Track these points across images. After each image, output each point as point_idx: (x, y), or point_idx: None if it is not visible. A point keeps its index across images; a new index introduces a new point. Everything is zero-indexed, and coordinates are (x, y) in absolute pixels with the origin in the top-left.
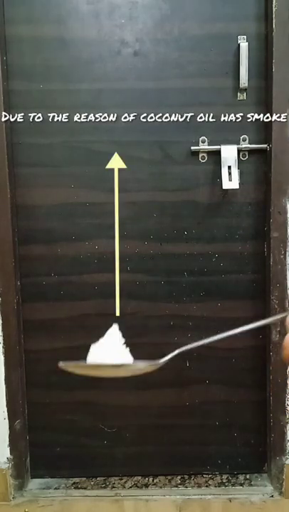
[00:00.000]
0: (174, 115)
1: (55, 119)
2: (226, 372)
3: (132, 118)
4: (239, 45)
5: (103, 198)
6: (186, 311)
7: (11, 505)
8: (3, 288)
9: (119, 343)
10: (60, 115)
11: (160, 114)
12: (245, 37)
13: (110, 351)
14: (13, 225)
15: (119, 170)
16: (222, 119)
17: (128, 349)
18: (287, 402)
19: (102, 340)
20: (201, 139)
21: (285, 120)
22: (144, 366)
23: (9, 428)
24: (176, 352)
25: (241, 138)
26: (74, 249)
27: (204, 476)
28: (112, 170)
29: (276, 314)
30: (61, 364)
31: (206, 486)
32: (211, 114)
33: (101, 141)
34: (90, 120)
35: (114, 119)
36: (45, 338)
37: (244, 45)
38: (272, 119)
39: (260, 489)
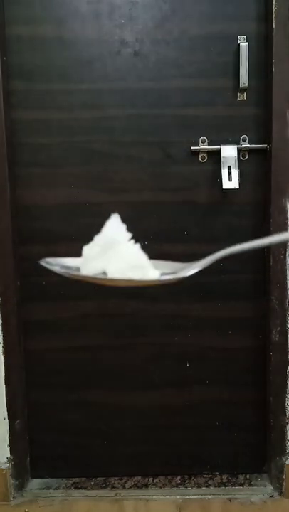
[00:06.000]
0: (174, 115)
1: (55, 119)
2: (226, 372)
3: (131, 118)
4: (239, 45)
5: (103, 198)
6: (186, 311)
7: (11, 505)
8: (3, 288)
9: (130, 246)
10: (60, 115)
11: (160, 114)
12: (245, 37)
13: (119, 260)
14: (13, 225)
15: (119, 170)
16: (222, 120)
17: (142, 249)
18: (287, 402)
19: (101, 239)
20: (201, 139)
21: (285, 120)
22: (166, 278)
23: (9, 428)
24: (217, 256)
25: (241, 138)
26: (74, 249)
27: (204, 476)
28: (112, 170)
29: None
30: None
31: (206, 486)
32: (211, 115)
33: (101, 141)
34: (90, 120)
35: (114, 119)
36: (45, 338)
37: (244, 45)
38: (272, 119)
39: (260, 489)
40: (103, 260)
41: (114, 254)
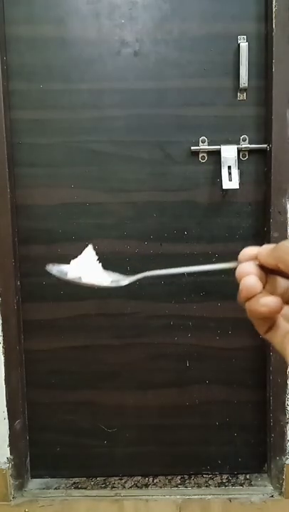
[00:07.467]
0: (173, 115)
1: (55, 119)
2: (226, 372)
3: (131, 118)
4: (239, 45)
5: (103, 198)
6: (186, 311)
7: (11, 505)
8: (3, 288)
9: (96, 264)
10: (60, 115)
11: (160, 114)
12: (245, 37)
13: (90, 271)
14: (13, 225)
15: (119, 170)
16: (222, 120)
17: (101, 267)
18: (287, 402)
19: (80, 259)
20: (201, 139)
21: (285, 120)
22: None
23: (9, 428)
24: (143, 275)
25: (241, 138)
26: (74, 249)
27: (204, 476)
28: (112, 170)
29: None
30: (48, 267)
31: (206, 486)
32: (211, 115)
33: (101, 141)
34: (90, 120)
35: (114, 119)
36: (45, 338)
37: (244, 45)
38: (272, 119)
39: (260, 489)
40: (80, 270)
41: (87, 268)
